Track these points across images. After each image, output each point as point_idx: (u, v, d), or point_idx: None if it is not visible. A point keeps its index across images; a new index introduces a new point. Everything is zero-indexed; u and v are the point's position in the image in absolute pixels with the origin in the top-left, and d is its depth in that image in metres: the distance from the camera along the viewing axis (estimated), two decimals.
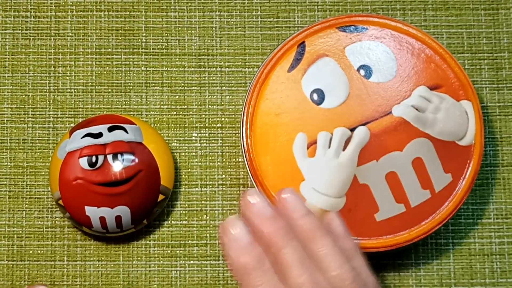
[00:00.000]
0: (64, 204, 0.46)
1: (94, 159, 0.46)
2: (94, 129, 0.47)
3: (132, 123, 0.47)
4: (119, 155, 0.46)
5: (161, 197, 0.47)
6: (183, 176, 0.50)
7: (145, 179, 0.46)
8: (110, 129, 0.47)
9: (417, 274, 0.49)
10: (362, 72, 0.46)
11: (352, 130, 0.45)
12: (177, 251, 0.49)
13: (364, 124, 0.45)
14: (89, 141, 0.46)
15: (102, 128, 0.47)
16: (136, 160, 0.46)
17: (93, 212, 0.46)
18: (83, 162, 0.46)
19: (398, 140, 0.45)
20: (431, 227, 0.45)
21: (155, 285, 0.49)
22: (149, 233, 0.50)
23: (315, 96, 0.46)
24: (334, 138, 0.45)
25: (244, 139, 0.46)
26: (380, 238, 0.45)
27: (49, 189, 0.50)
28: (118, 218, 0.46)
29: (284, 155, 0.46)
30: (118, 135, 0.46)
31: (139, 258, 0.49)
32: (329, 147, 0.45)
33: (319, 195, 0.45)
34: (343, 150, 0.45)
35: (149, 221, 0.48)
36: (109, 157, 0.46)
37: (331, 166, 0.45)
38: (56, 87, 0.51)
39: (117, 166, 0.46)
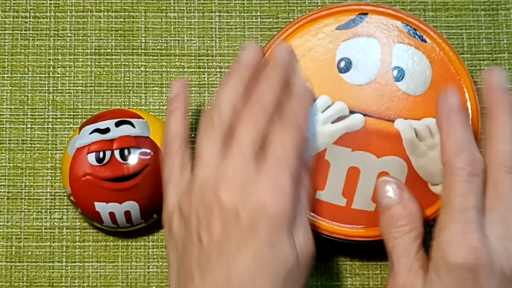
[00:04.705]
0: (75, 200, 0.47)
1: (101, 154, 0.46)
2: (102, 125, 0.47)
3: (140, 117, 0.48)
4: (126, 150, 0.46)
5: None
6: None
7: (153, 173, 0.46)
8: (117, 124, 0.47)
9: None
10: (395, 72, 0.46)
11: (352, 112, 0.46)
12: None
13: (364, 115, 0.46)
14: (97, 136, 0.46)
15: (110, 123, 0.47)
16: (143, 155, 0.46)
17: (102, 208, 0.46)
18: (91, 158, 0.46)
19: (382, 147, 0.45)
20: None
21: (153, 286, 0.49)
22: (148, 234, 0.50)
23: (342, 64, 0.46)
24: (332, 108, 0.46)
25: None
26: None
27: (49, 189, 0.50)
28: (127, 213, 0.46)
29: None
30: (125, 130, 0.47)
31: (138, 260, 0.49)
32: (322, 112, 0.46)
33: None
34: (332, 122, 0.45)
35: (160, 215, 0.48)
36: (116, 153, 0.46)
37: (312, 128, 0.45)
38: (55, 88, 0.51)
39: (124, 161, 0.46)
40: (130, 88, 0.51)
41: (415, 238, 0.40)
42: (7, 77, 0.51)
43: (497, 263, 0.37)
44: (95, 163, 0.46)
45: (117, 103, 0.51)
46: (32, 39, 0.52)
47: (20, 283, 0.49)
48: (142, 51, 0.51)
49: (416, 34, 0.47)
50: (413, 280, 0.39)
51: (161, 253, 0.49)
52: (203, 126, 0.42)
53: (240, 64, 0.43)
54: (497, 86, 0.41)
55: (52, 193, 0.50)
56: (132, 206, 0.46)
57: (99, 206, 0.46)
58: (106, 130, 0.47)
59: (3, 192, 0.50)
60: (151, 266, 0.49)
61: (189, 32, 0.52)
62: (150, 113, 0.50)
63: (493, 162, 0.39)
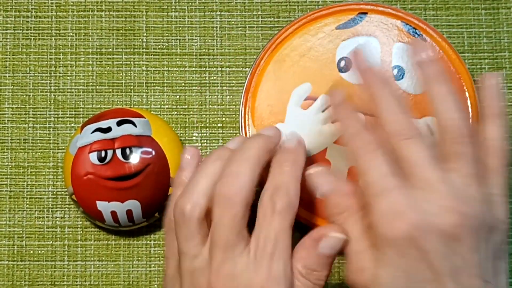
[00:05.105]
0: (77, 199, 0.47)
1: (103, 154, 0.46)
2: (104, 124, 0.47)
3: (141, 116, 0.48)
4: (127, 149, 0.46)
5: (171, 190, 0.47)
6: None
7: (154, 172, 0.46)
8: (119, 123, 0.47)
9: None
10: (395, 71, 0.46)
11: None
12: None
13: (365, 114, 0.46)
14: (99, 136, 0.46)
15: (111, 122, 0.47)
16: (145, 154, 0.46)
17: (104, 207, 0.46)
18: (93, 157, 0.46)
19: None
20: None
21: (155, 285, 0.49)
22: (150, 233, 0.50)
23: (342, 63, 0.46)
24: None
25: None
26: (317, 215, 0.45)
27: (51, 188, 0.50)
28: (129, 212, 0.46)
29: (283, 91, 0.46)
30: (126, 129, 0.47)
31: (139, 258, 0.49)
32: (323, 111, 0.46)
33: None
34: (332, 122, 0.46)
35: (161, 214, 0.48)
36: (118, 152, 0.46)
37: (312, 127, 0.45)
38: (57, 87, 0.51)
39: (125, 160, 0.46)
40: (132, 87, 0.51)
41: (358, 219, 0.39)
42: (9, 76, 0.51)
43: (433, 222, 0.35)
44: (97, 162, 0.46)
45: (118, 102, 0.51)
46: (33, 39, 0.52)
47: (22, 282, 0.49)
48: (144, 50, 0.52)
49: (416, 33, 0.47)
50: (368, 263, 0.37)
51: (162, 251, 0.49)
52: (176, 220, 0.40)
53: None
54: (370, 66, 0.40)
55: (54, 192, 0.50)
56: (134, 205, 0.46)
57: (101, 205, 0.46)
58: (108, 129, 0.47)
59: (5, 191, 0.50)
60: (153, 265, 0.49)
61: (190, 31, 0.52)
62: (152, 112, 0.50)
63: (390, 134, 0.38)
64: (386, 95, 0.39)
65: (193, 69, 0.51)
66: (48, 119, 0.51)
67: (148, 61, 0.51)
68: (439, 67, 0.40)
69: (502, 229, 0.38)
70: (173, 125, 0.51)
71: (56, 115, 0.51)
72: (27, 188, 0.50)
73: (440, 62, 0.40)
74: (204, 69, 0.51)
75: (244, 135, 0.46)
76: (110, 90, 0.51)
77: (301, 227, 0.47)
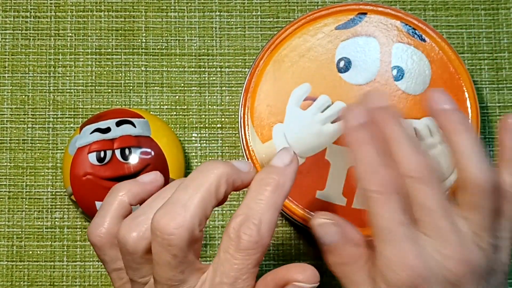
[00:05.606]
0: (76, 199, 0.47)
1: (102, 154, 0.46)
2: (103, 124, 0.47)
3: (141, 117, 0.48)
4: (126, 150, 0.46)
5: None
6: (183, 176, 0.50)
7: None
8: (118, 124, 0.47)
9: None
10: (394, 72, 0.46)
11: None
12: None
13: None
14: (98, 136, 0.46)
15: (110, 123, 0.47)
16: (144, 154, 0.46)
17: None
18: (92, 157, 0.46)
19: None
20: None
21: None
22: None
23: (342, 63, 0.46)
24: (332, 108, 0.46)
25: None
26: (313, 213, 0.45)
27: (50, 189, 0.50)
28: None
29: (282, 92, 0.46)
30: (125, 129, 0.47)
31: None
32: (322, 112, 0.46)
33: (285, 143, 0.45)
34: (332, 122, 0.46)
35: None
36: (117, 152, 0.46)
37: (312, 128, 0.45)
38: (56, 88, 0.51)
39: (125, 161, 0.46)
40: (131, 87, 0.51)
41: (363, 266, 0.37)
42: (8, 76, 0.51)
43: (437, 271, 0.34)
44: (96, 163, 0.46)
45: (117, 102, 0.51)
46: (32, 39, 0.52)
47: (21, 283, 0.49)
48: (143, 50, 0.52)
49: (415, 33, 0.47)
50: None
51: None
52: None
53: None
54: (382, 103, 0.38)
55: (53, 193, 0.50)
56: None
57: (100, 206, 0.46)
58: (107, 130, 0.47)
59: (4, 191, 0.50)
60: None
61: (190, 31, 0.52)
62: (151, 112, 0.50)
63: (403, 175, 0.35)
64: (400, 133, 0.36)
65: (192, 69, 0.51)
66: (47, 119, 0.51)
67: (147, 62, 0.51)
68: (462, 115, 0.37)
69: (502, 271, 0.38)
70: (172, 125, 0.50)
71: (55, 116, 0.51)
72: (26, 189, 0.50)
73: (460, 111, 0.37)
74: (204, 69, 0.51)
75: (243, 137, 0.46)
76: (109, 90, 0.51)
77: (300, 227, 0.47)
